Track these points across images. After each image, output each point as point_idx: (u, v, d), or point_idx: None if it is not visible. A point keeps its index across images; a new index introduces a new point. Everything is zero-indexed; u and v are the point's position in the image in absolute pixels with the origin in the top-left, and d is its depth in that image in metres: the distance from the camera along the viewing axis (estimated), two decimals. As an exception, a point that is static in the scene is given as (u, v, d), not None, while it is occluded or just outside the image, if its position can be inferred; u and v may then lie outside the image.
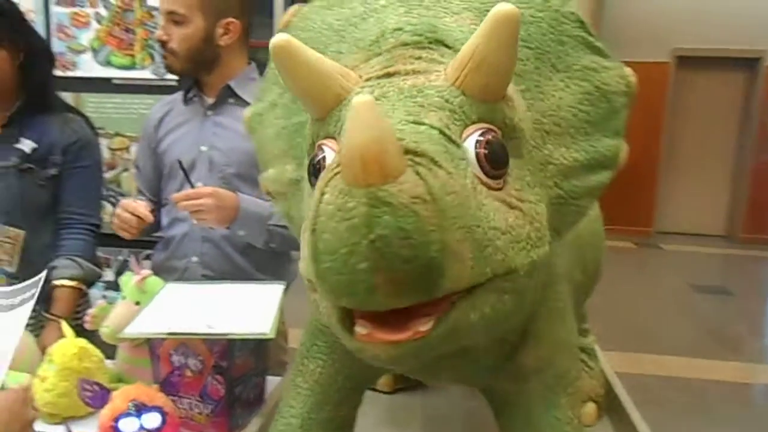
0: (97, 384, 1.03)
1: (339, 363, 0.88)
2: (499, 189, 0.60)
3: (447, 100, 0.59)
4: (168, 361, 1.12)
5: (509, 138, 0.63)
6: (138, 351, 1.22)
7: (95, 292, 2.43)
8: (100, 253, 2.39)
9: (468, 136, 0.59)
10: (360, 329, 0.55)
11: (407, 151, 0.51)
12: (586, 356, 1.26)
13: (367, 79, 0.64)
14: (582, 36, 0.75)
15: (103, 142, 2.43)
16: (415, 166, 0.50)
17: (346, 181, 0.49)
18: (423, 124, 0.56)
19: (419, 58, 0.65)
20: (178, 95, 1.62)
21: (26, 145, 1.48)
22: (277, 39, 0.60)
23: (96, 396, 1.00)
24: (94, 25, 2.39)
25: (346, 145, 0.49)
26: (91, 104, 2.43)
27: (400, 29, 0.68)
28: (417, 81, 0.61)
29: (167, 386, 1.10)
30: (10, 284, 1.44)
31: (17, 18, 1.50)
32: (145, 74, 2.41)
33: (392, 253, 0.48)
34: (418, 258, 0.49)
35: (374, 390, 1.27)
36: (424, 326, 0.53)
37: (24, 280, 1.52)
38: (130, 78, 2.41)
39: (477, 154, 0.58)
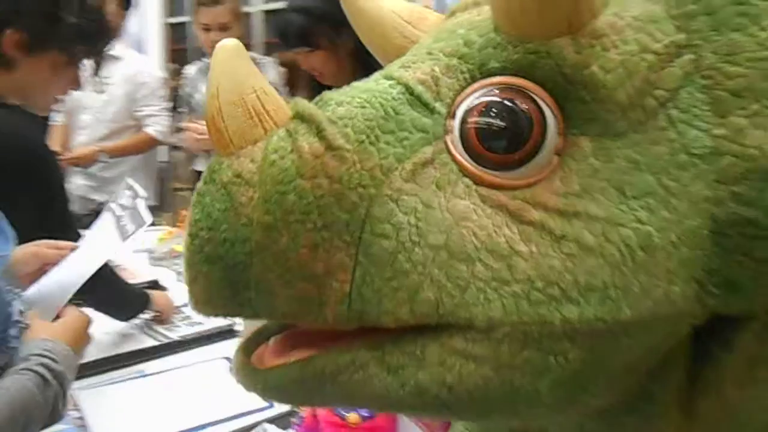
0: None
1: None
2: (511, 187, 0.37)
3: (466, 42, 0.42)
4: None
5: (573, 101, 0.38)
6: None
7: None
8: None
9: (466, 96, 0.39)
10: (261, 348, 0.43)
11: (296, 115, 0.39)
12: None
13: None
14: None
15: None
16: (280, 134, 0.38)
17: None
18: (392, 78, 0.43)
19: None
20: None
21: None
22: None
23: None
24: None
25: None
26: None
27: None
28: (467, 18, 0.46)
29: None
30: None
31: (338, 14, 1.56)
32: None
33: (196, 246, 0.37)
34: (220, 258, 0.36)
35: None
36: (297, 357, 0.39)
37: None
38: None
39: (463, 127, 0.38)
